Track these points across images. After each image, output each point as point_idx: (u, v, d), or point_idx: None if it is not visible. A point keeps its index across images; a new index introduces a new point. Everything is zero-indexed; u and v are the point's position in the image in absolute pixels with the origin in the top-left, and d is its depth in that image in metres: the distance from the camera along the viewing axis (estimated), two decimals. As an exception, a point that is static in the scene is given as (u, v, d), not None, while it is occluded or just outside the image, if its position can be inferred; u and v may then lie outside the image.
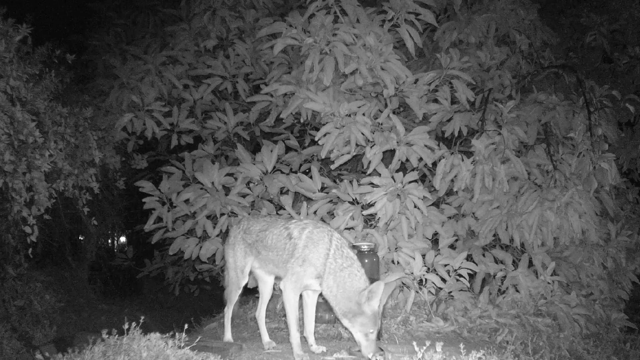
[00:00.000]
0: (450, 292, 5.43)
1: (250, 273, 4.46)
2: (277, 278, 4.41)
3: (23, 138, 4.58)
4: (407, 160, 5.40)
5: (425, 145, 5.34)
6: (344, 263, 3.83)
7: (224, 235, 5.75)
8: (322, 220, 5.53)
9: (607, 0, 7.98)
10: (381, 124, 5.41)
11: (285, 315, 5.30)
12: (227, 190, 5.71)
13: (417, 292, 5.36)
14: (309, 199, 5.76)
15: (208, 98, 6.59)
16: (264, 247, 4.17)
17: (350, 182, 5.51)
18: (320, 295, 5.46)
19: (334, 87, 5.55)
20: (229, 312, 4.48)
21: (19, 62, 4.77)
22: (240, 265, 4.34)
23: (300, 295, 4.12)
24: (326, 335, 4.96)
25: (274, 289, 5.47)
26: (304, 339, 4.18)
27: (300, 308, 4.27)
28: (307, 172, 5.94)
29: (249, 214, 5.64)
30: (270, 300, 4.71)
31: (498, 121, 5.62)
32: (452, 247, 5.73)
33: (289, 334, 3.96)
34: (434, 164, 5.52)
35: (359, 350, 4.08)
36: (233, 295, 4.40)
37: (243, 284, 4.39)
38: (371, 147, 5.28)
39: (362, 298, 3.68)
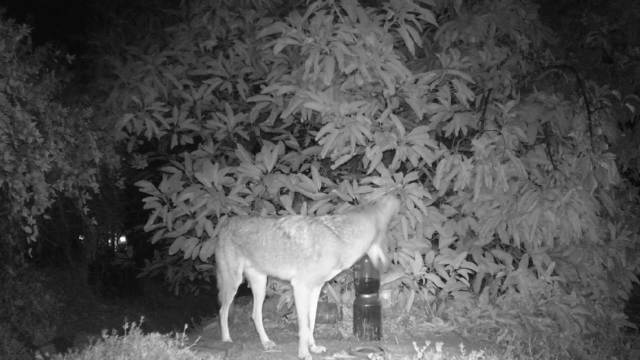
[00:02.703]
0: (450, 292, 5.43)
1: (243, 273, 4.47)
2: (272, 277, 4.42)
3: (23, 138, 4.58)
4: (407, 160, 5.39)
5: (426, 145, 5.34)
6: (347, 228, 3.99)
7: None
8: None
9: (607, 0, 7.97)
10: (381, 124, 5.40)
11: (285, 315, 5.32)
12: (227, 190, 5.71)
13: (417, 292, 5.36)
14: (309, 199, 5.76)
15: (208, 98, 6.59)
16: (257, 249, 4.18)
17: (350, 182, 5.51)
18: (321, 295, 5.47)
19: (334, 87, 5.55)
20: (224, 313, 4.51)
21: (19, 62, 4.77)
22: (233, 267, 4.36)
23: None
24: (326, 335, 4.96)
25: (273, 289, 5.49)
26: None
27: None
28: (307, 172, 5.93)
29: (249, 214, 5.63)
30: (269, 300, 4.71)
31: (498, 121, 5.62)
32: (452, 247, 5.73)
33: (299, 330, 3.98)
34: (434, 164, 5.52)
35: (360, 350, 4.09)
36: (228, 296, 4.43)
37: (237, 284, 4.42)
38: (371, 147, 5.27)
39: (377, 220, 4.07)
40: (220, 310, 4.52)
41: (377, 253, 4.11)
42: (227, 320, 4.55)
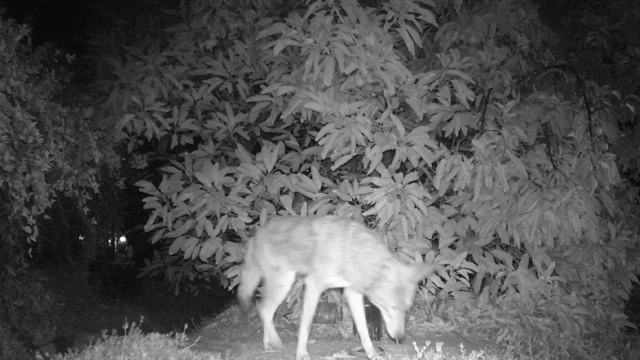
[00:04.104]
0: (450, 292, 5.43)
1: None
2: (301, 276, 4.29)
3: (23, 138, 4.58)
4: (407, 160, 5.39)
5: (426, 146, 5.34)
6: (357, 247, 3.69)
7: (224, 235, 5.75)
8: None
9: (607, 0, 7.98)
10: (381, 124, 5.41)
11: (285, 315, 5.32)
12: (227, 190, 5.71)
13: (417, 292, 5.36)
14: (309, 199, 5.76)
15: (208, 98, 6.59)
16: (291, 247, 4.05)
17: (351, 182, 5.51)
18: (325, 294, 5.45)
19: (334, 88, 5.55)
20: (270, 314, 4.25)
21: (19, 62, 4.77)
22: (274, 264, 4.18)
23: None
24: (326, 335, 4.96)
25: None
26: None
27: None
28: (307, 172, 5.93)
29: (249, 215, 5.63)
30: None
31: (498, 121, 5.62)
32: (452, 247, 5.73)
33: (299, 331, 3.85)
34: (434, 164, 5.52)
35: (360, 350, 4.08)
36: (276, 295, 4.20)
37: (282, 281, 4.18)
38: (371, 148, 5.27)
39: (375, 274, 3.50)
40: (264, 312, 4.25)
41: (384, 318, 3.60)
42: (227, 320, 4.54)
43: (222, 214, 5.61)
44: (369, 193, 5.22)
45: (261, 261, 4.29)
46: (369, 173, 5.38)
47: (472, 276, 5.59)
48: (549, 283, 5.40)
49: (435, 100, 5.83)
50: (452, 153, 5.42)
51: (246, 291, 4.48)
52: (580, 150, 5.53)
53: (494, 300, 5.48)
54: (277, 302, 4.24)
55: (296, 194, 5.88)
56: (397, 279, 3.45)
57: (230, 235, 5.90)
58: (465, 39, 6.32)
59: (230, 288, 5.63)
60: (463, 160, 5.31)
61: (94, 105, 6.03)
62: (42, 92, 4.99)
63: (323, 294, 5.36)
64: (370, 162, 5.29)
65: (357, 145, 5.24)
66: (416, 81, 5.67)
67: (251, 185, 5.78)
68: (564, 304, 5.27)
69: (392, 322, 3.51)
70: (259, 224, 5.56)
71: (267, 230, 4.35)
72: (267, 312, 4.26)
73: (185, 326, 3.79)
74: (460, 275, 5.37)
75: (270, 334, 4.33)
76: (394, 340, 3.54)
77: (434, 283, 5.35)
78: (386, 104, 5.70)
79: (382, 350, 4.01)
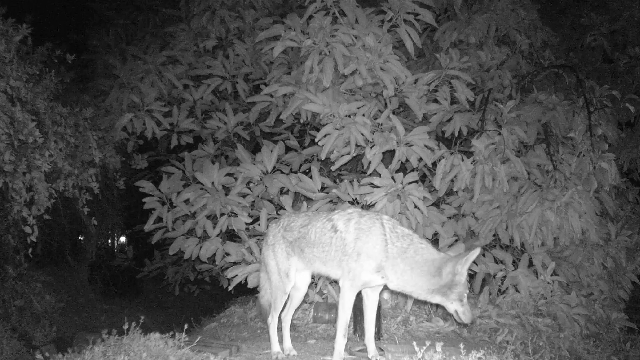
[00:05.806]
0: (450, 292, 5.42)
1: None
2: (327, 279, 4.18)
3: (23, 138, 4.59)
4: (407, 160, 5.39)
5: (425, 146, 5.34)
6: (403, 243, 3.51)
7: (224, 235, 5.75)
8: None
9: (608, 0, 7.98)
10: (381, 125, 5.40)
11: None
12: (227, 190, 5.71)
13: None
14: (309, 199, 5.76)
15: (208, 98, 6.59)
16: (308, 244, 3.79)
17: (351, 182, 5.51)
18: (321, 294, 5.45)
19: (334, 88, 5.54)
20: (274, 321, 4.04)
21: (19, 62, 4.79)
22: (284, 268, 3.93)
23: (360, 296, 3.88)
24: (326, 335, 4.96)
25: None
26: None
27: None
28: (307, 172, 5.94)
29: (249, 215, 5.63)
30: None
31: (498, 121, 5.62)
32: (452, 247, 5.73)
33: (335, 338, 3.67)
34: (434, 164, 5.52)
35: (360, 350, 4.08)
36: (278, 302, 3.97)
37: (289, 288, 4.00)
38: (371, 148, 5.27)
39: (458, 266, 3.41)
40: (269, 319, 4.05)
41: (453, 308, 3.59)
42: (229, 323, 4.51)
43: (222, 214, 5.61)
44: (369, 193, 5.22)
45: (270, 261, 4.03)
46: (369, 173, 5.38)
47: (472, 276, 5.59)
48: (549, 283, 5.40)
49: (435, 100, 5.83)
50: (452, 153, 5.42)
51: (266, 296, 4.18)
52: (580, 150, 5.54)
53: (494, 300, 5.48)
54: (279, 309, 4.04)
55: (296, 194, 5.88)
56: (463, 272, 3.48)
57: (230, 235, 5.90)
58: (465, 38, 6.31)
59: (230, 288, 5.63)
60: (463, 160, 5.31)
61: (94, 105, 6.05)
62: (42, 92, 5.01)
63: (323, 293, 5.37)
64: (370, 162, 5.28)
65: (356, 145, 5.24)
66: (416, 81, 5.66)
67: (251, 185, 5.78)
68: (564, 304, 5.27)
69: (466, 310, 3.57)
70: (258, 224, 5.57)
71: (280, 227, 4.07)
72: (271, 319, 4.06)
73: (185, 326, 3.79)
74: (460, 275, 5.36)
75: (284, 341, 4.13)
76: (466, 326, 3.66)
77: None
78: (386, 104, 5.70)
79: (382, 350, 4.01)
